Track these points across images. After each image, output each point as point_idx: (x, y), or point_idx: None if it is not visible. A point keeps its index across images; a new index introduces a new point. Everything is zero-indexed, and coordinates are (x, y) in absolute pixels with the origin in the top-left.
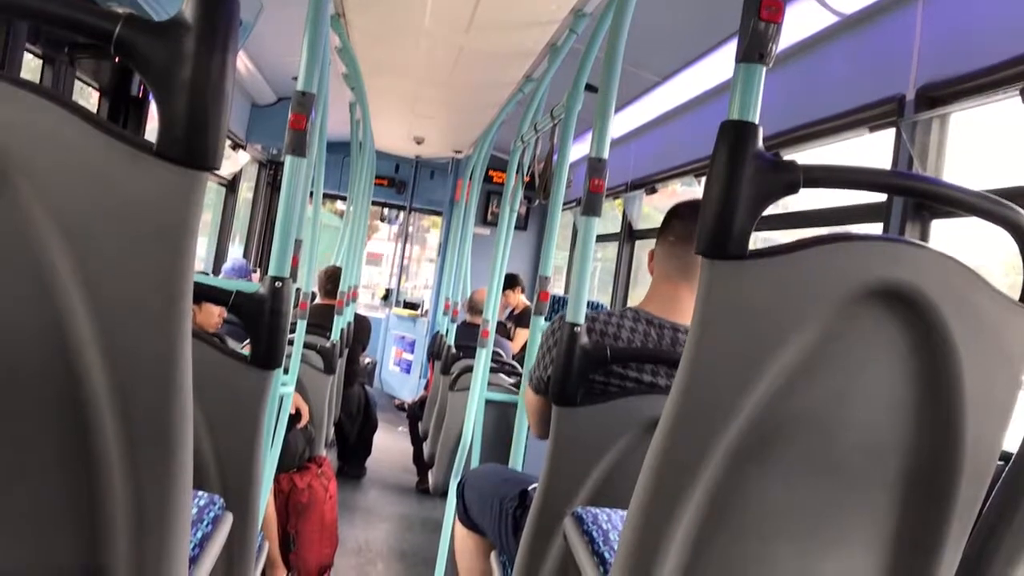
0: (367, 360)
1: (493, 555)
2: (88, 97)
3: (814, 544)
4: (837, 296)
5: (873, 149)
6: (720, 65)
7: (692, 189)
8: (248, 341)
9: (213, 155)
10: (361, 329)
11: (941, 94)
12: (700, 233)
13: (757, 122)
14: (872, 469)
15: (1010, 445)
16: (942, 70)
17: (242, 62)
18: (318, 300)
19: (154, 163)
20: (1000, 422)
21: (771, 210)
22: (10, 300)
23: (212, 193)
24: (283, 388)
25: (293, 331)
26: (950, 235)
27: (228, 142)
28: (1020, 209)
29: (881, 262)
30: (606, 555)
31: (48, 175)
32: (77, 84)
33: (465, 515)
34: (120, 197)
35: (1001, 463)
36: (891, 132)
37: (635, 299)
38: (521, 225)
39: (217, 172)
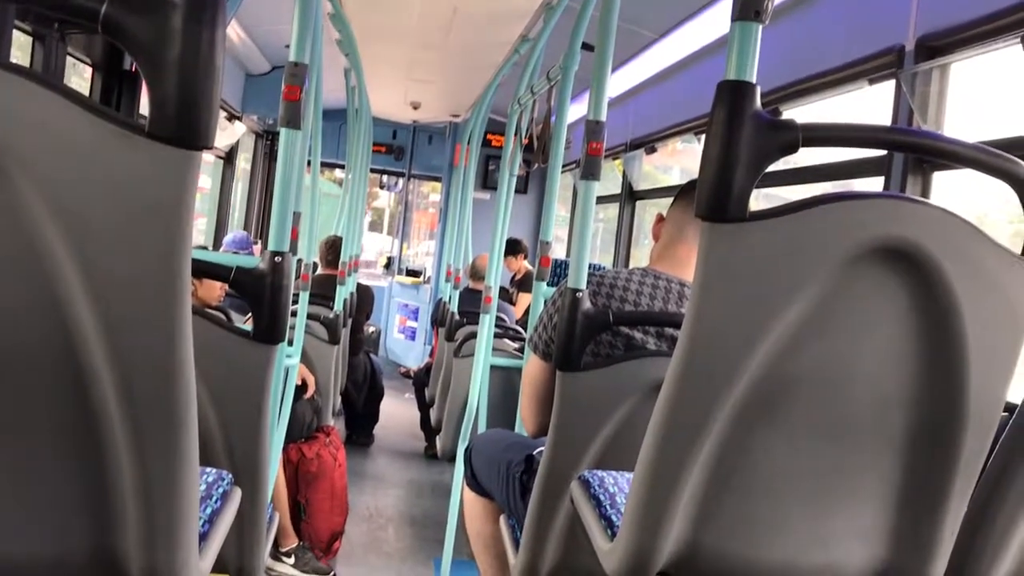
0: (371, 329)
1: (502, 519)
2: (81, 72)
3: (822, 502)
4: (838, 255)
5: (873, 102)
6: (719, 19)
7: (692, 146)
8: (250, 315)
9: (205, 133)
10: (364, 298)
11: (941, 44)
12: (699, 196)
13: (755, 81)
14: (877, 425)
15: (1015, 397)
16: (942, 19)
17: (234, 31)
18: (320, 271)
19: (147, 144)
20: (1003, 375)
21: (771, 167)
22: (8, 285)
23: (210, 163)
24: (288, 360)
25: (296, 302)
26: (954, 185)
27: (223, 113)
28: (1020, 161)
29: (881, 220)
30: (613, 518)
31: (40, 160)
32: (69, 60)
33: (473, 480)
34: (113, 179)
35: (1006, 414)
36: (891, 84)
37: (636, 260)
38: (521, 188)
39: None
